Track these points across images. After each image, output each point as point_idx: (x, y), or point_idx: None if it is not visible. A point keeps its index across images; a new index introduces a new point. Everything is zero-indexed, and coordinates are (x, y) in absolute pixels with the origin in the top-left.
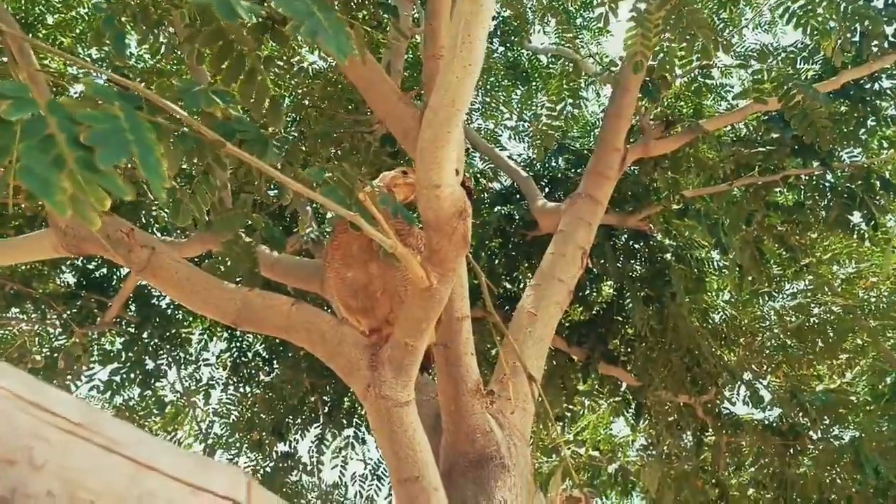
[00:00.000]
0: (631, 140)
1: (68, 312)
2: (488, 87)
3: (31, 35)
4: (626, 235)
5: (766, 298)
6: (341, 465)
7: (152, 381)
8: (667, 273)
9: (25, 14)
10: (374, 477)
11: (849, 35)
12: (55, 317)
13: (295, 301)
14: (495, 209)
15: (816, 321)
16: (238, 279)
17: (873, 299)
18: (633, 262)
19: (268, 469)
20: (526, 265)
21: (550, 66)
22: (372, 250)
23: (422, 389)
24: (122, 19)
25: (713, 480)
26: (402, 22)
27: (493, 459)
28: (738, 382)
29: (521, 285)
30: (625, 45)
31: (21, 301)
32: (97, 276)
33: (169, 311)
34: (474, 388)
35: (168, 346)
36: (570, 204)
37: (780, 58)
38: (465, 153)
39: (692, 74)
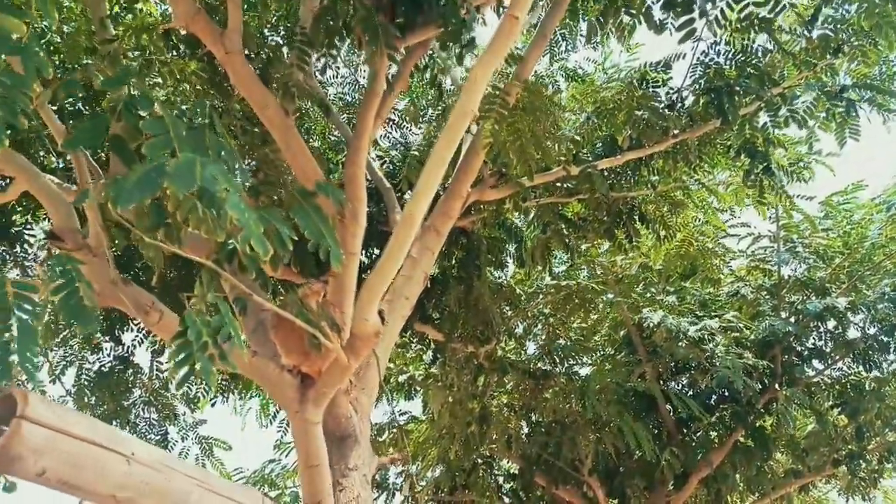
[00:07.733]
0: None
1: None
2: None
3: None
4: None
5: (543, 276)
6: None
7: None
8: (478, 259)
9: None
10: None
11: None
12: None
13: (254, 353)
14: None
15: (576, 290)
16: None
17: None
18: (454, 249)
19: (104, 368)
20: (376, 245)
21: None
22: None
23: None
24: None
25: (480, 404)
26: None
27: (351, 437)
28: (511, 337)
29: (373, 257)
30: (484, 133)
31: None
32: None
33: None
34: (344, 388)
35: (6, 244)
36: (421, 233)
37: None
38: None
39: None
